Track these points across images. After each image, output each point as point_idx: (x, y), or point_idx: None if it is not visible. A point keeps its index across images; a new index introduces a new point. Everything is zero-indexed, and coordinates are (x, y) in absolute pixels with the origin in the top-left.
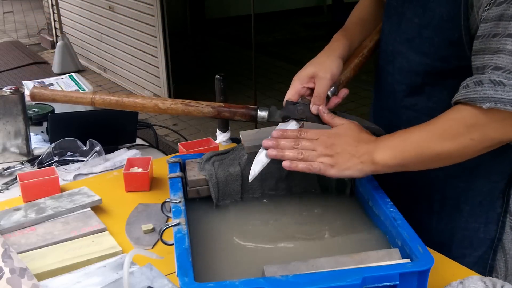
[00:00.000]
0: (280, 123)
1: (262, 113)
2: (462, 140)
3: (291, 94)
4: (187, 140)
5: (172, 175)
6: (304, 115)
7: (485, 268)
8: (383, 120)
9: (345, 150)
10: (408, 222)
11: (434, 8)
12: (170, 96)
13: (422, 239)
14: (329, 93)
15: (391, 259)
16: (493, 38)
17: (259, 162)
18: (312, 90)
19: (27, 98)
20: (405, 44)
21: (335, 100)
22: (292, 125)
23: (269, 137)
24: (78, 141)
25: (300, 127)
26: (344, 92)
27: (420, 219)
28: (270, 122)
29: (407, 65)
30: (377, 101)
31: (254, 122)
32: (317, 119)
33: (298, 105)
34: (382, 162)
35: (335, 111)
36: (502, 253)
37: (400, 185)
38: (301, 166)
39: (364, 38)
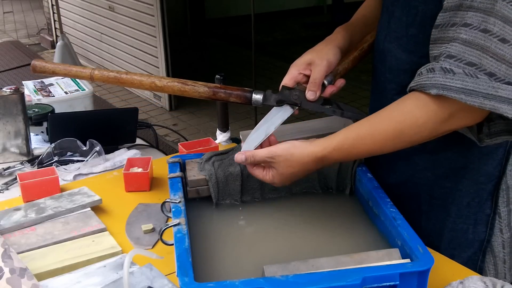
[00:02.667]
0: (274, 107)
1: (257, 96)
2: (413, 141)
3: (287, 80)
4: (187, 140)
5: (172, 175)
6: (299, 100)
7: (474, 269)
8: None
9: (285, 181)
10: None
11: (417, 5)
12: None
13: None
14: (325, 81)
15: (391, 259)
16: (451, 28)
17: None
18: (308, 77)
19: (27, 98)
20: (395, 42)
21: (330, 89)
22: (286, 109)
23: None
24: (78, 141)
25: (294, 112)
26: (340, 81)
27: (409, 219)
28: (265, 105)
29: (396, 63)
30: (373, 101)
31: (249, 105)
32: (312, 105)
33: (293, 90)
34: (331, 159)
35: (333, 100)
36: (491, 255)
37: (389, 185)
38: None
39: (365, 35)
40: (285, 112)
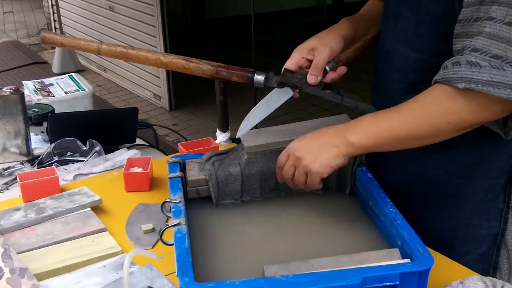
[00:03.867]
0: (275, 89)
1: (259, 77)
2: (439, 124)
3: (290, 63)
4: (187, 140)
5: (172, 175)
6: (300, 83)
7: (489, 264)
8: None
9: (311, 151)
10: (408, 221)
11: (428, 4)
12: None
13: (423, 238)
14: (327, 67)
15: (391, 259)
16: (474, 22)
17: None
18: (311, 62)
19: (27, 98)
20: (402, 42)
21: (332, 75)
22: (286, 91)
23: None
24: (78, 141)
25: (294, 95)
26: (342, 69)
27: (421, 218)
28: (266, 86)
29: (404, 62)
30: (375, 102)
31: (251, 85)
32: (313, 89)
33: (295, 74)
34: (358, 143)
35: (334, 86)
36: (505, 249)
37: (399, 185)
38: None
39: (369, 29)
40: (285, 94)
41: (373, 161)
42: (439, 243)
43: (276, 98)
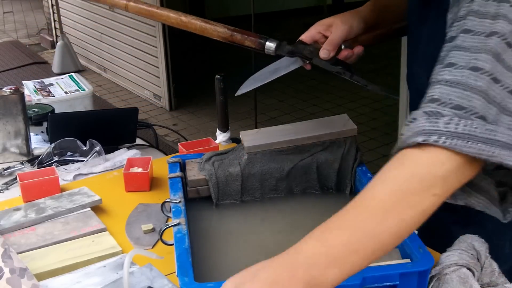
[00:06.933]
0: (285, 57)
1: (271, 44)
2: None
3: (305, 36)
4: (187, 140)
5: (172, 175)
6: (311, 56)
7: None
8: None
9: None
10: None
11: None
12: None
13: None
14: (342, 45)
15: (391, 259)
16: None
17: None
18: (327, 38)
19: (27, 98)
20: (422, 65)
21: (346, 52)
22: (296, 61)
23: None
24: (78, 141)
25: (305, 65)
26: (359, 48)
27: (447, 232)
28: (277, 54)
29: (422, 87)
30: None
31: (262, 52)
32: (323, 62)
33: (308, 46)
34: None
35: (346, 63)
36: None
37: None
38: None
39: (396, 16)
40: (294, 63)
41: None
42: None
43: (285, 65)
